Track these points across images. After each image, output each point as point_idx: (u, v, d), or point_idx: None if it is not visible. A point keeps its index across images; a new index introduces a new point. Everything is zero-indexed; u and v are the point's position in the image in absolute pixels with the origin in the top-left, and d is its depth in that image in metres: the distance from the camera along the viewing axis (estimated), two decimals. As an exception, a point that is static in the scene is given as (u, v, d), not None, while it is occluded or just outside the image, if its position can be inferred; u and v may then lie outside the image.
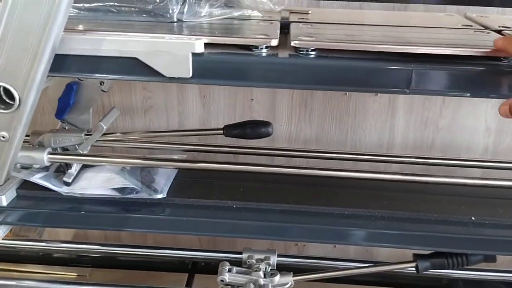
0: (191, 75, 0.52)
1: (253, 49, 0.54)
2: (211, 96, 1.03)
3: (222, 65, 0.53)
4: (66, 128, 0.84)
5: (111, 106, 1.05)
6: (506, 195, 0.79)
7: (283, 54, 0.55)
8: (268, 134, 0.77)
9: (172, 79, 0.52)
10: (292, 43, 0.53)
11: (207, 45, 0.53)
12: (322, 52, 0.54)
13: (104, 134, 0.81)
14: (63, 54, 0.51)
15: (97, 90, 0.80)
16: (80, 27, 0.54)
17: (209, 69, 0.53)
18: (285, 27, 0.64)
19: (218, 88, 1.03)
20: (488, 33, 0.61)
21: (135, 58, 0.51)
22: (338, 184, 0.81)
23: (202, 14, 0.64)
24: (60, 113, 0.82)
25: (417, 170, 0.93)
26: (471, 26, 0.66)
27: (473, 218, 0.74)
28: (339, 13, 0.75)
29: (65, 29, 0.51)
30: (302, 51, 0.54)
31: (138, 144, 0.86)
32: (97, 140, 0.80)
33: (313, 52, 0.54)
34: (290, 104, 1.04)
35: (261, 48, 0.54)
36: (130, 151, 0.92)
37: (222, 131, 0.77)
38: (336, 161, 0.87)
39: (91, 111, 0.83)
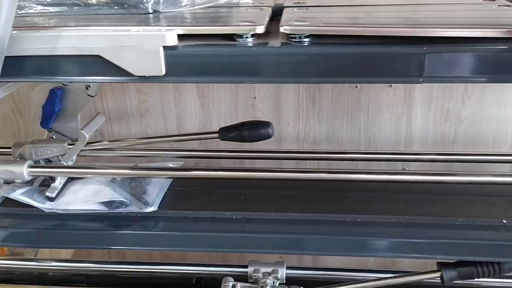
0: (164, 72, 0.45)
1: (237, 39, 0.46)
2: (211, 95, 0.96)
3: (201, 59, 0.45)
4: (53, 137, 0.78)
5: (104, 111, 0.99)
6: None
7: (274, 43, 0.47)
8: (268, 136, 0.69)
9: (143, 79, 0.45)
10: (281, 29, 0.45)
11: (181, 36, 0.45)
12: (318, 39, 0.45)
13: (91, 142, 0.75)
14: (15, 56, 0.44)
15: (83, 95, 0.74)
16: (35, 24, 0.47)
17: (186, 65, 0.45)
18: (278, 13, 0.56)
19: (218, 87, 0.95)
20: (515, 7, 0.52)
21: (98, 56, 0.44)
22: (349, 187, 0.73)
23: (183, 3, 0.56)
24: (45, 122, 0.76)
25: (439, 168, 0.85)
26: (494, 1, 0.57)
27: (504, 221, 0.65)
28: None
29: (17, 27, 0.44)
30: (295, 38, 0.46)
31: (130, 152, 0.79)
32: (83, 150, 0.74)
33: (307, 39, 0.46)
34: (297, 100, 0.96)
35: (246, 37, 0.46)
36: (121, 159, 0.85)
37: (217, 135, 0.70)
38: (348, 161, 0.79)
39: (79, 117, 0.76)
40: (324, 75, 0.45)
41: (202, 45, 0.46)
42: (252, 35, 0.46)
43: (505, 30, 0.43)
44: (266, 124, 0.70)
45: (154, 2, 0.54)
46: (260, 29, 0.45)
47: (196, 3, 0.57)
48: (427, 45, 0.43)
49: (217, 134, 0.70)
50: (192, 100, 0.97)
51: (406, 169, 0.85)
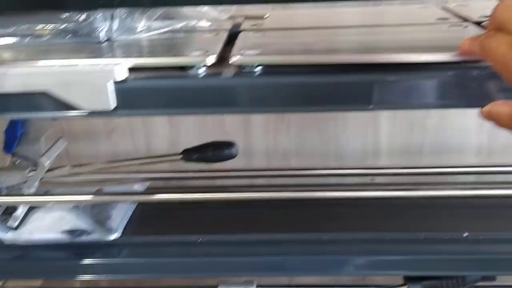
0: (113, 107, 0.44)
1: (188, 70, 0.46)
2: (179, 113, 0.95)
3: (151, 92, 0.45)
4: (18, 162, 0.76)
5: (71, 130, 0.97)
6: (502, 203, 0.71)
7: (226, 72, 0.47)
8: (232, 156, 0.69)
9: (92, 114, 0.44)
10: (231, 60, 0.45)
11: (132, 69, 0.45)
12: (270, 68, 0.45)
13: (52, 168, 0.73)
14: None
15: (46, 118, 0.73)
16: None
17: (137, 98, 0.45)
18: (235, 37, 0.55)
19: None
20: (466, 26, 0.53)
21: (46, 92, 0.43)
22: (316, 204, 0.73)
23: (139, 29, 0.55)
24: (8, 147, 0.75)
25: (406, 180, 0.86)
26: (447, 18, 0.58)
27: (466, 234, 0.66)
28: (301, 15, 0.67)
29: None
30: (246, 67, 0.46)
31: (94, 175, 0.78)
32: (45, 177, 0.72)
33: (259, 68, 0.46)
34: (266, 115, 0.96)
35: (198, 68, 0.46)
36: (86, 183, 0.84)
37: (181, 156, 0.69)
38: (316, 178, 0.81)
39: (42, 140, 0.75)
40: (276, 104, 0.45)
41: (153, 77, 0.45)
42: (205, 65, 0.46)
43: (451, 54, 0.44)
44: (229, 145, 0.70)
45: (107, 31, 0.53)
46: (211, 60, 0.45)
47: (152, 28, 0.56)
48: (377, 71, 0.44)
49: (181, 156, 0.70)
50: (160, 118, 0.96)
51: (374, 179, 0.85)
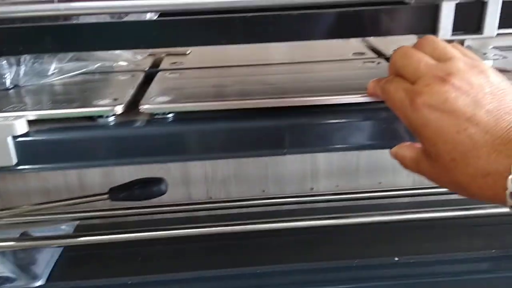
0: (15, 162, 0.42)
1: (97, 119, 0.44)
2: (111, 144, 0.92)
3: (56, 144, 0.43)
4: None
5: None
6: (430, 225, 0.73)
7: (138, 119, 0.45)
8: (161, 193, 0.67)
9: (-5, 170, 0.42)
10: (140, 109, 0.44)
11: (36, 121, 0.43)
12: (182, 114, 0.45)
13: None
14: None
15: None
16: None
17: (40, 152, 0.43)
18: (152, 77, 0.54)
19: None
20: (379, 63, 0.54)
21: None
22: (251, 236, 0.73)
23: (50, 73, 0.53)
24: None
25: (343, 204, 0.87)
26: (364, 53, 0.59)
27: (396, 259, 0.67)
28: (224, 48, 0.67)
29: None
30: (158, 114, 0.45)
31: (20, 218, 0.74)
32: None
33: (171, 115, 0.45)
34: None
35: (107, 116, 0.44)
36: (12, 226, 0.80)
37: (107, 196, 0.67)
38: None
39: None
40: (190, 152, 0.44)
41: (58, 128, 0.43)
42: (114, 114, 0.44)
43: (361, 95, 0.44)
44: (158, 181, 0.68)
45: (13, 77, 0.50)
46: (119, 110, 0.43)
47: (64, 71, 0.54)
48: (288, 115, 0.44)
49: (107, 196, 0.67)
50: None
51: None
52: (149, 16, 0.51)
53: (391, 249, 0.69)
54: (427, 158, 0.37)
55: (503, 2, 0.40)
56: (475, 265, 0.67)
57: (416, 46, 0.39)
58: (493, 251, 0.67)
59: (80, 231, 0.77)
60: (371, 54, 0.58)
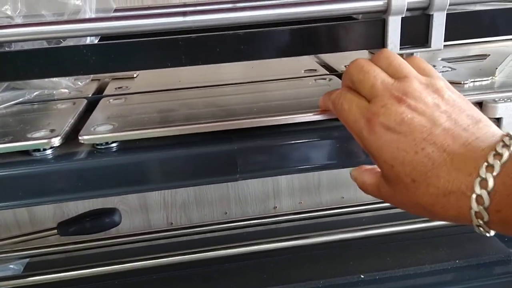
0: None
1: (33, 153, 0.41)
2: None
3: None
4: None
5: None
6: (393, 239, 0.72)
7: (79, 150, 0.42)
8: (114, 224, 0.64)
9: None
10: (80, 139, 0.41)
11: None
12: (126, 143, 0.42)
13: None
14: None
15: None
16: None
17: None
18: (95, 104, 0.51)
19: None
20: (330, 79, 0.53)
21: None
22: (213, 262, 0.70)
23: (-17, 105, 0.50)
24: None
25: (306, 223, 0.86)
26: (315, 70, 0.58)
27: (362, 276, 0.66)
28: (171, 70, 0.64)
29: None
30: (101, 144, 0.42)
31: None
32: None
33: (115, 144, 0.42)
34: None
35: (44, 149, 0.41)
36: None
37: (56, 231, 0.63)
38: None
39: None
40: (137, 183, 0.41)
41: (-11, 166, 0.40)
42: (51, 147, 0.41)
43: (313, 113, 0.43)
44: (111, 212, 0.64)
45: None
46: (56, 142, 0.40)
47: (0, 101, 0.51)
48: (239, 139, 0.42)
49: (56, 231, 0.63)
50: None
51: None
52: (89, 40, 0.49)
53: (356, 266, 0.68)
54: (387, 183, 0.35)
55: (447, 15, 0.40)
56: (441, 277, 0.66)
57: (372, 59, 0.38)
58: (457, 261, 0.67)
59: (31, 269, 0.73)
60: (323, 71, 0.57)
